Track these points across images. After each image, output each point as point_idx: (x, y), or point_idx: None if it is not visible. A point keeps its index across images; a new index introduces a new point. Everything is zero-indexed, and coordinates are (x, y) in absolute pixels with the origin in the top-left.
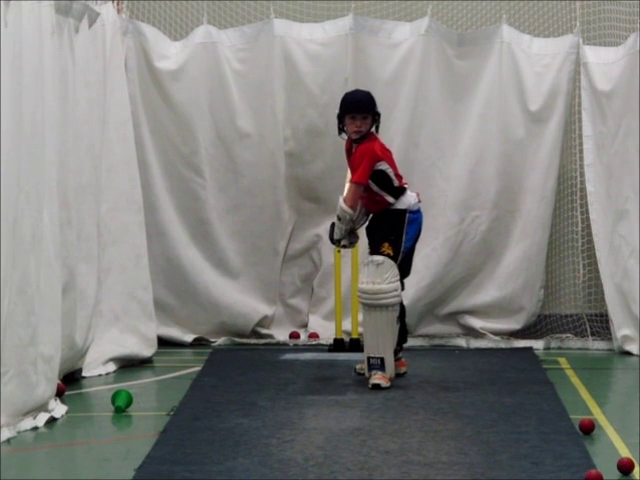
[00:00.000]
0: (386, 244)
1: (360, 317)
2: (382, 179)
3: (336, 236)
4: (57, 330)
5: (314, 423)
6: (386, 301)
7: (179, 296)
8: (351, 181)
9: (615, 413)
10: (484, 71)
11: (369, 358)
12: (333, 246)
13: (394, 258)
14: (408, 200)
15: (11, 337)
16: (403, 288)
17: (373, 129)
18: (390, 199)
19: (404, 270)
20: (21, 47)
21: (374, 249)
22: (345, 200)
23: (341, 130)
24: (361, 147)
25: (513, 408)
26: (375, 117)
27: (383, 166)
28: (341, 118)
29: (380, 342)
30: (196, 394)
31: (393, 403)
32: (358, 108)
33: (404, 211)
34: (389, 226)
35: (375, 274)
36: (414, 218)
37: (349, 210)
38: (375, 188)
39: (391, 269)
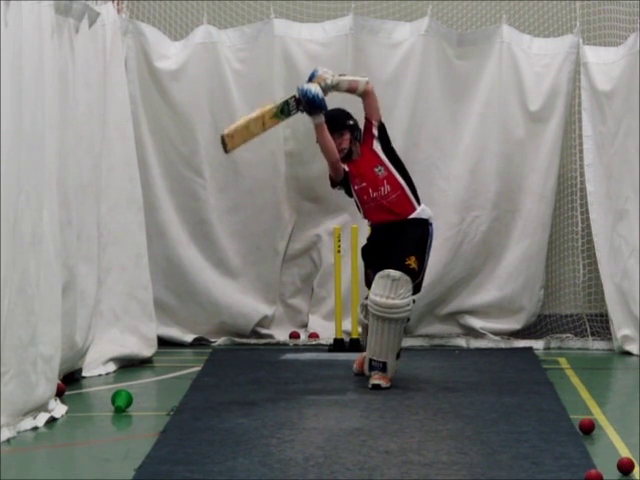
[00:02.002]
0: (413, 258)
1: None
2: (397, 159)
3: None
4: (57, 330)
5: (314, 423)
6: (397, 316)
7: (179, 296)
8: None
9: (615, 413)
10: (484, 71)
11: (371, 360)
12: (333, 246)
13: (417, 274)
14: (428, 209)
15: (11, 337)
16: (414, 301)
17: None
18: (415, 204)
19: (417, 286)
20: (21, 47)
21: (395, 262)
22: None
23: None
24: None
25: (513, 408)
26: (352, 130)
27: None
28: None
29: (384, 348)
30: (196, 394)
31: (393, 403)
32: (331, 127)
33: (427, 222)
34: (416, 238)
35: (390, 289)
36: (432, 231)
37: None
38: (396, 173)
39: (406, 285)
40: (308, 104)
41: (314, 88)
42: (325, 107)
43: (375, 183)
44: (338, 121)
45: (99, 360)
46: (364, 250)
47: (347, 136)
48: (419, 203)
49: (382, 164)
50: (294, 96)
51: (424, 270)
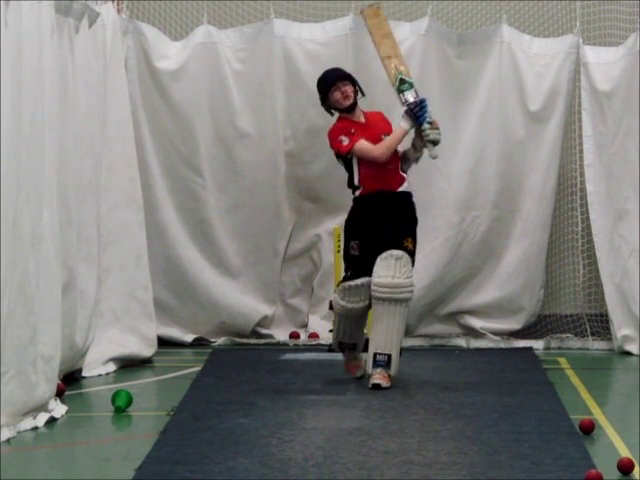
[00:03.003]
0: (409, 239)
1: None
2: None
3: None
4: (57, 330)
5: (314, 423)
6: (403, 295)
7: (179, 296)
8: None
9: (615, 413)
10: (484, 71)
11: (376, 354)
12: (332, 246)
13: (413, 254)
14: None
15: (11, 337)
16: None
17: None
18: (401, 170)
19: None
20: (21, 47)
21: (394, 243)
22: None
23: (330, 111)
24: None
25: (513, 408)
26: (353, 83)
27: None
28: (325, 99)
29: (389, 338)
30: (196, 394)
31: (393, 403)
32: (337, 76)
33: (411, 195)
34: (409, 216)
35: (394, 268)
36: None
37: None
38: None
39: (408, 264)
40: (418, 108)
41: (430, 110)
42: (419, 124)
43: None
44: (342, 72)
45: (99, 360)
46: (351, 223)
47: (350, 87)
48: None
49: (389, 133)
50: (416, 96)
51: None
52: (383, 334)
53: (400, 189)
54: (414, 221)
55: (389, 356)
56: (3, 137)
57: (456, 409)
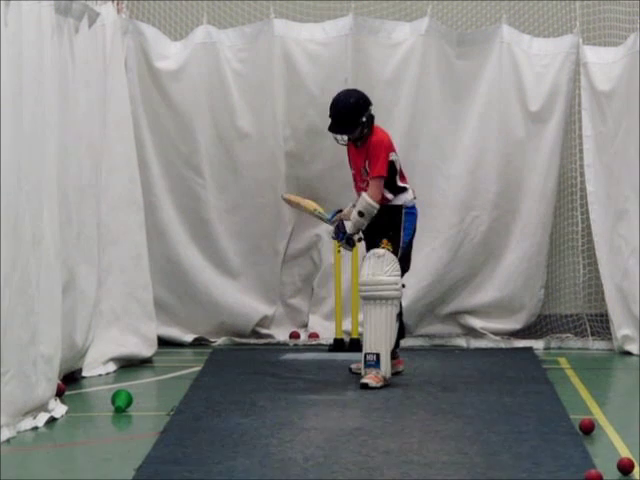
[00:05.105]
0: (385, 240)
1: (361, 317)
2: (390, 172)
3: (350, 230)
4: (57, 330)
5: (314, 423)
6: (385, 293)
7: (179, 296)
8: (373, 177)
9: (615, 413)
10: (484, 71)
11: (365, 355)
12: (333, 246)
13: (394, 254)
14: (405, 197)
15: (11, 337)
16: (404, 286)
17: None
18: (389, 196)
19: (404, 265)
20: (21, 47)
21: (373, 245)
22: (371, 196)
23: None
24: (373, 139)
25: (513, 408)
26: (362, 126)
27: (394, 157)
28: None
29: (377, 337)
30: (196, 394)
31: (393, 403)
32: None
33: (400, 207)
34: (386, 222)
35: (375, 266)
36: (411, 212)
37: (376, 205)
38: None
39: (392, 263)
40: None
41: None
42: (350, 245)
43: (360, 176)
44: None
45: (99, 360)
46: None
47: (358, 130)
48: (398, 194)
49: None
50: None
51: (406, 249)
52: (372, 333)
53: (384, 204)
54: (396, 225)
55: (378, 355)
56: (3, 137)
57: (456, 409)
